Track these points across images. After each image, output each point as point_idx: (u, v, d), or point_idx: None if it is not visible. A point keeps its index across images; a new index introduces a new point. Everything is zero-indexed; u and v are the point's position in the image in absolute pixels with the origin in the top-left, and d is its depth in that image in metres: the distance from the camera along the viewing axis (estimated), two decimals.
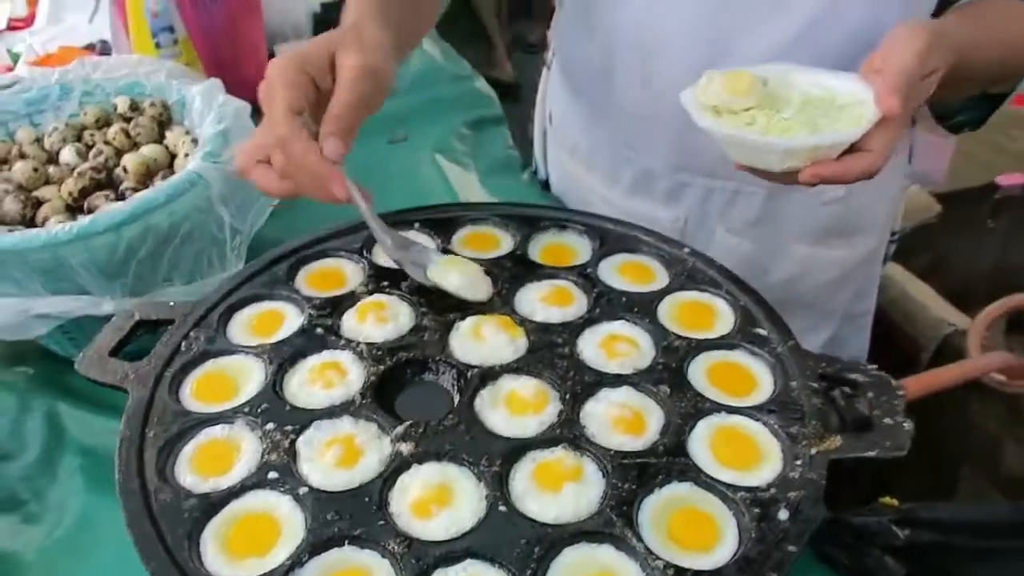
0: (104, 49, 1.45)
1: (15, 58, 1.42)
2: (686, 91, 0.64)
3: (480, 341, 0.56)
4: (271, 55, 1.41)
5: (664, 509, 0.46)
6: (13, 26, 1.54)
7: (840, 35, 0.72)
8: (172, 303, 0.60)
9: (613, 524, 0.44)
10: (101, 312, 0.78)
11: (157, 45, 1.10)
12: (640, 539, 0.44)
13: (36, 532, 0.70)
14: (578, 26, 0.89)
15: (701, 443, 0.50)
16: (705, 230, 0.91)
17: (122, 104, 0.96)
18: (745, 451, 0.49)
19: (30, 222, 0.85)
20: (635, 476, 0.47)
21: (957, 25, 0.68)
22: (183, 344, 0.56)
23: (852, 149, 0.58)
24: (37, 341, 0.81)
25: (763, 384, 0.54)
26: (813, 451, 0.47)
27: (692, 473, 0.47)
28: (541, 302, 0.60)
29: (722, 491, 0.46)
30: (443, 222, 0.69)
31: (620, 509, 0.45)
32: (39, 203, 0.87)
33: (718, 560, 0.43)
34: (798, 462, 0.47)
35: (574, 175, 1.03)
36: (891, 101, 0.56)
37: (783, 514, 0.44)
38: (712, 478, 0.47)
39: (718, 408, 0.51)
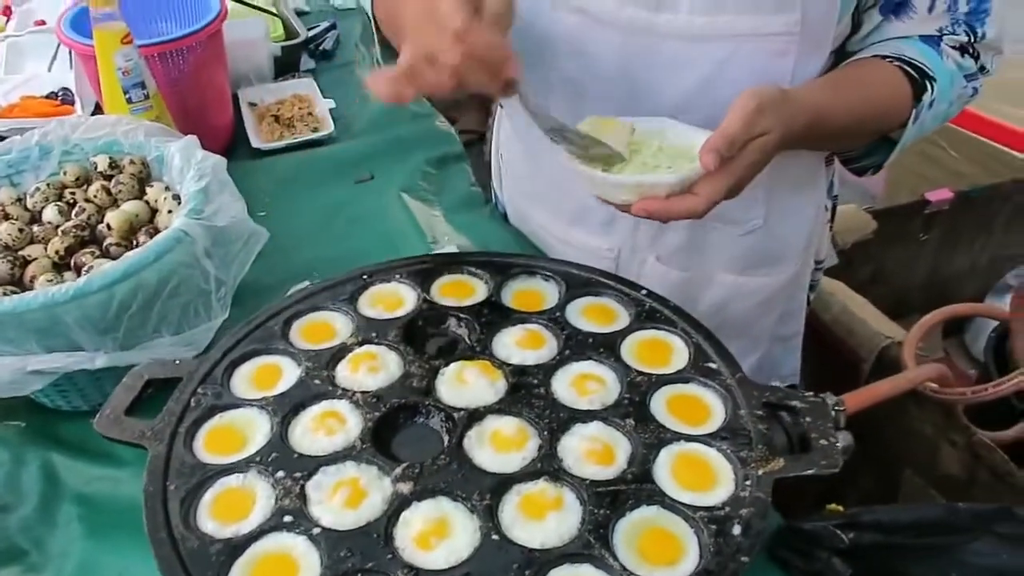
0: (66, 97, 1.48)
1: None
2: None
3: (464, 385, 0.62)
4: (235, 100, 1.46)
5: (635, 530, 0.53)
6: None
7: (732, 88, 0.81)
8: (177, 361, 0.65)
9: (592, 546, 0.51)
10: (95, 366, 0.82)
11: (129, 100, 1.14)
12: (615, 558, 0.51)
13: None
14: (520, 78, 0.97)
15: (664, 469, 0.57)
16: (637, 259, 1.00)
17: (102, 163, 1.00)
18: (702, 475, 0.56)
19: (18, 281, 0.89)
20: (608, 502, 0.54)
21: (811, 91, 0.77)
22: (192, 400, 0.61)
23: (689, 192, 0.68)
24: (28, 395, 0.85)
25: (716, 413, 0.61)
26: (760, 472, 0.55)
27: (658, 497, 0.54)
28: (516, 346, 0.67)
29: (684, 511, 0.53)
30: (422, 272, 0.76)
31: (597, 532, 0.52)
32: (26, 262, 0.90)
33: (683, 573, 0.50)
34: (748, 482, 0.55)
35: (523, 209, 1.12)
36: (708, 158, 0.65)
37: (736, 529, 0.52)
38: (675, 500, 0.54)
39: (677, 437, 0.59)
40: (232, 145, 1.40)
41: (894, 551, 0.81)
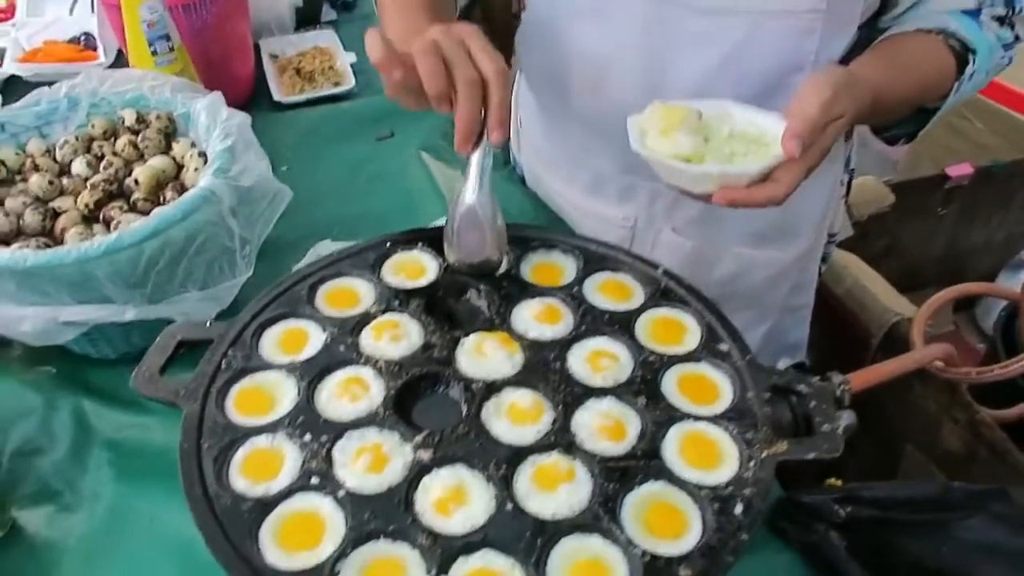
0: (88, 42, 1.49)
1: (1, 53, 1.45)
2: (633, 116, 0.73)
3: (483, 357, 0.65)
4: (256, 50, 1.46)
5: (642, 504, 0.56)
6: None
7: (756, 65, 0.82)
8: (208, 323, 0.68)
9: (600, 518, 0.54)
10: (124, 319, 0.85)
11: (154, 52, 1.14)
12: (622, 530, 0.54)
13: (73, 520, 0.77)
14: (538, 43, 0.98)
15: (672, 447, 0.59)
16: (653, 229, 1.02)
17: (129, 117, 1.01)
18: (708, 454, 0.59)
19: (49, 232, 0.92)
20: (618, 476, 0.56)
21: (871, 69, 0.77)
22: (223, 362, 0.64)
23: (767, 177, 0.68)
24: None
25: (724, 394, 0.64)
26: (764, 454, 0.57)
27: (665, 473, 0.57)
28: (534, 320, 0.69)
29: (689, 489, 0.56)
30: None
31: (606, 505, 0.55)
32: (56, 214, 0.93)
33: (685, 547, 0.53)
34: (751, 463, 0.57)
35: (539, 174, 1.13)
36: (791, 145, 0.65)
37: (738, 508, 0.54)
38: (681, 478, 0.57)
39: (686, 416, 0.61)
40: (253, 96, 1.41)
41: (890, 526, 0.83)
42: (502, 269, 0.74)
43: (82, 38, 1.51)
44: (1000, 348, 1.47)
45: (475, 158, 0.71)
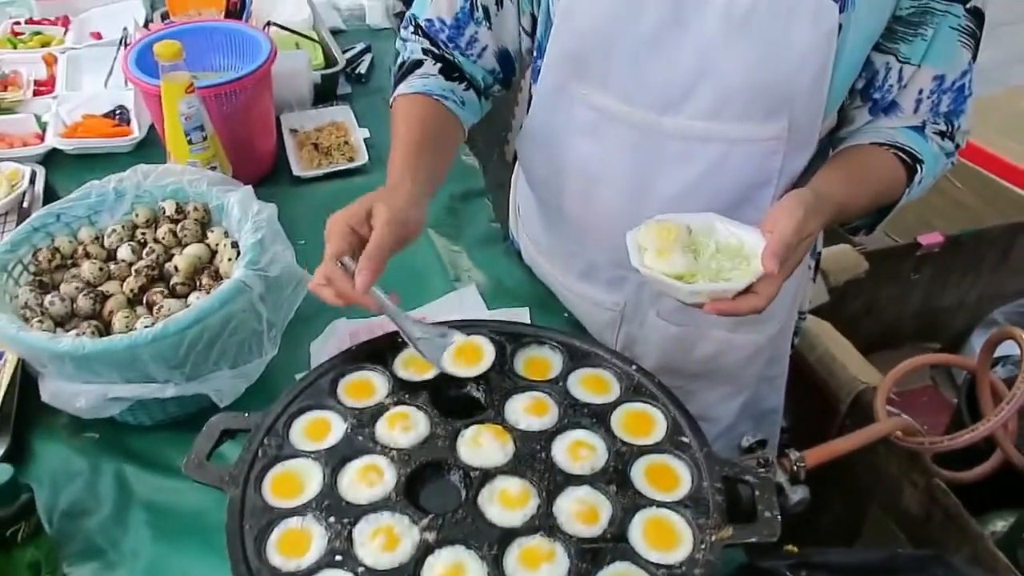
0: (122, 116, 1.61)
1: (43, 126, 1.58)
2: (631, 232, 0.84)
3: (479, 447, 0.76)
4: (278, 124, 1.59)
5: None
6: (37, 91, 1.69)
7: (728, 181, 0.95)
8: (247, 414, 0.79)
9: None
10: (165, 395, 0.97)
11: (190, 142, 1.27)
12: None
13: None
14: (537, 150, 1.10)
15: (637, 530, 0.71)
16: (640, 313, 1.13)
17: (169, 207, 1.13)
18: (667, 537, 0.70)
19: (98, 315, 1.03)
20: (590, 557, 0.68)
21: (834, 186, 0.88)
22: (259, 450, 0.75)
23: (747, 290, 0.79)
24: None
25: (683, 482, 0.75)
26: (712, 538, 0.69)
27: (630, 554, 0.68)
28: (524, 412, 0.81)
29: (650, 569, 0.67)
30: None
31: None
32: (105, 297, 1.05)
33: None
34: (703, 546, 0.69)
35: (535, 257, 1.25)
36: (771, 264, 0.76)
37: None
38: (644, 559, 0.68)
39: (650, 503, 0.73)
40: (275, 169, 1.53)
41: None
42: (482, 368, 0.85)
43: (117, 112, 1.64)
44: (965, 411, 1.57)
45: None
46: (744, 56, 0.85)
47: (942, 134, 0.98)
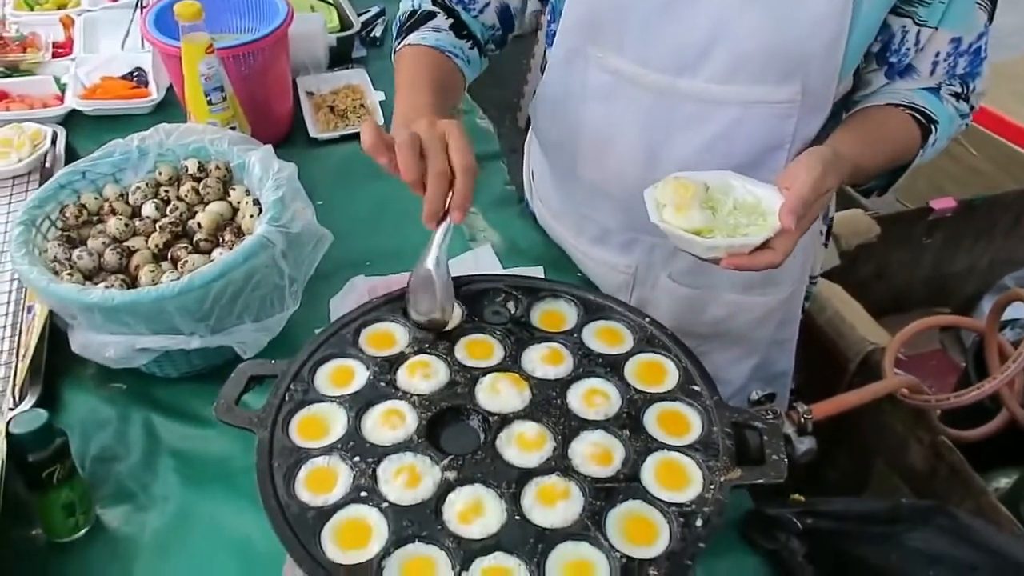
0: (140, 78, 1.63)
1: (62, 88, 1.60)
2: (648, 189, 0.85)
3: (497, 394, 0.79)
4: (294, 87, 1.60)
5: (622, 518, 0.70)
6: (55, 53, 1.71)
7: (741, 144, 0.96)
8: (272, 361, 0.82)
9: (588, 528, 0.68)
10: (190, 347, 1.00)
11: (209, 102, 1.29)
12: (606, 538, 0.68)
13: (147, 518, 0.91)
14: (550, 115, 1.12)
15: (649, 471, 0.74)
16: (652, 275, 1.15)
17: (192, 166, 1.16)
18: (678, 478, 0.73)
19: (125, 269, 1.06)
20: (604, 495, 0.71)
21: (850, 145, 0.88)
22: (286, 395, 0.78)
23: (764, 245, 0.80)
24: None
25: (694, 427, 0.78)
26: (722, 479, 0.71)
27: (641, 493, 0.71)
28: (540, 361, 0.83)
29: (661, 506, 0.70)
30: (467, 290, 0.92)
31: (594, 519, 0.69)
32: (131, 252, 1.08)
33: (655, 552, 0.67)
34: (712, 487, 0.71)
35: (549, 221, 1.27)
36: (788, 220, 0.77)
37: (699, 522, 0.69)
38: (655, 497, 0.71)
39: (662, 446, 0.75)
40: (291, 131, 1.55)
41: (844, 536, 0.96)
42: (450, 326, 0.86)
43: (135, 74, 1.65)
44: (972, 372, 1.60)
45: (438, 233, 0.83)
46: (759, 19, 0.86)
47: (957, 95, 0.98)
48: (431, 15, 1.05)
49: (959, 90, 0.98)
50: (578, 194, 1.15)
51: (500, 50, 1.14)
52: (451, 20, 1.06)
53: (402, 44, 1.05)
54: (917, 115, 0.94)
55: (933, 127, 0.95)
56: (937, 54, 0.93)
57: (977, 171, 2.54)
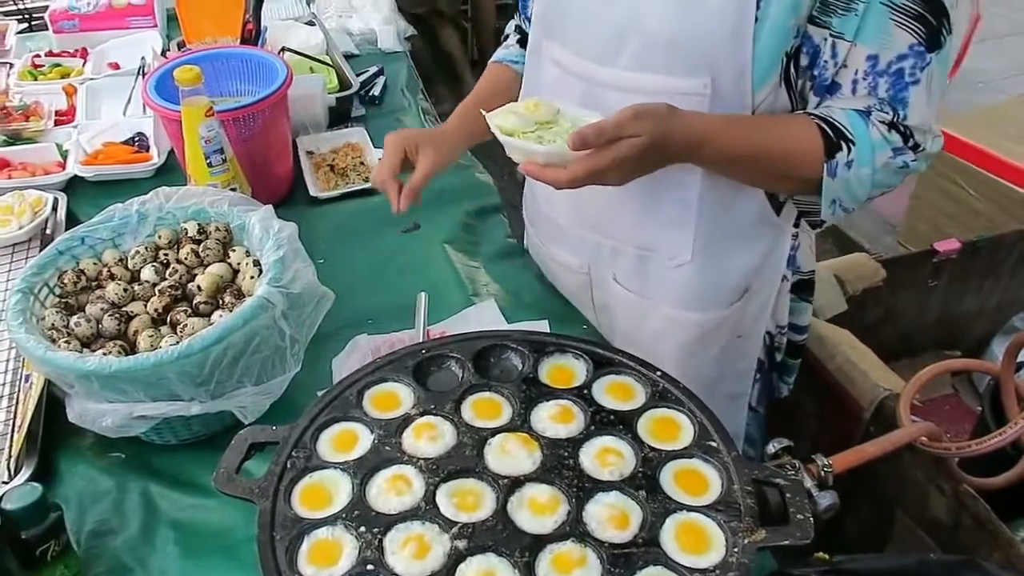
0: (141, 143, 1.64)
1: (64, 154, 1.61)
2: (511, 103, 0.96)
3: (506, 455, 0.76)
4: (295, 147, 1.61)
5: None
6: (58, 121, 1.72)
7: None
8: (274, 427, 0.80)
9: None
10: (190, 413, 0.97)
11: (209, 164, 1.29)
12: None
13: None
14: None
15: (668, 534, 0.70)
16: (601, 278, 1.18)
17: (191, 228, 1.15)
18: (699, 540, 0.69)
19: (123, 335, 1.05)
20: (623, 562, 0.67)
21: (707, 118, 0.92)
22: (288, 462, 0.75)
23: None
24: None
25: (713, 486, 0.75)
26: (746, 541, 0.68)
27: (663, 559, 0.68)
28: (550, 420, 0.81)
29: (683, 572, 0.67)
30: (472, 348, 0.90)
31: None
32: (129, 317, 1.06)
33: None
34: (735, 549, 0.68)
35: (531, 235, 1.33)
36: (572, 138, 0.82)
37: None
38: (676, 562, 0.68)
39: (681, 507, 0.72)
40: (291, 190, 1.55)
41: None
42: None
43: (136, 139, 1.66)
44: (989, 417, 1.56)
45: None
46: (664, 9, 0.91)
47: (889, 125, 0.93)
48: (507, 36, 1.30)
49: (890, 117, 0.92)
50: (538, 191, 1.24)
51: None
52: (519, 36, 1.26)
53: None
54: (825, 125, 0.93)
55: (846, 145, 0.92)
56: (856, 71, 0.91)
57: (977, 212, 2.55)
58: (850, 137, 0.92)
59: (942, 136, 0.97)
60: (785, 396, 1.32)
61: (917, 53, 0.88)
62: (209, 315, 1.05)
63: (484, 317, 1.20)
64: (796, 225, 1.12)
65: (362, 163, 1.61)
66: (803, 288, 1.20)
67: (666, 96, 0.92)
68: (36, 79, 1.85)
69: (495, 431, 0.79)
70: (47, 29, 2.02)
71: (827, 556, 0.98)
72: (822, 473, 0.94)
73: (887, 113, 0.93)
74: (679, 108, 0.89)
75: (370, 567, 0.67)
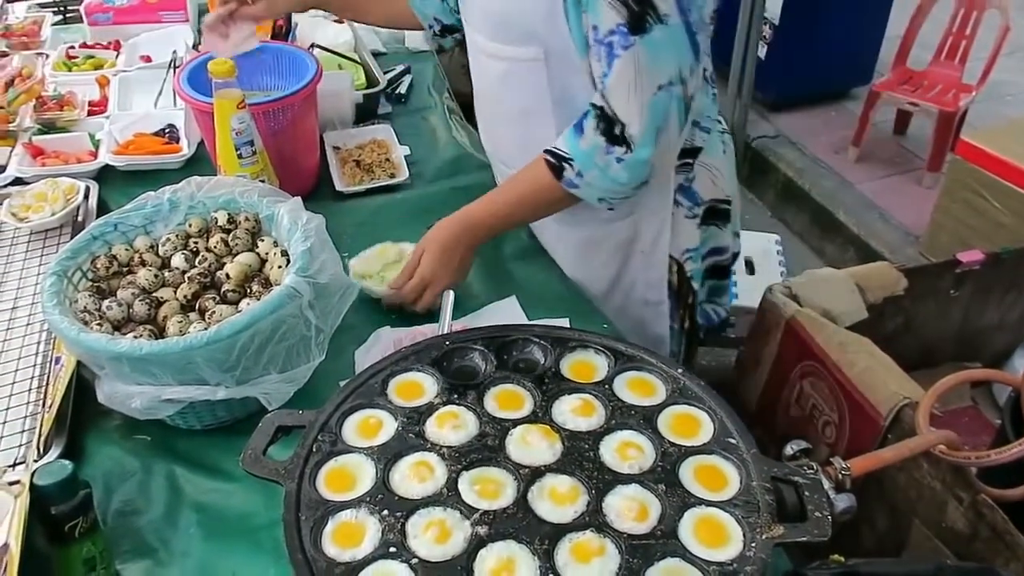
0: (172, 134, 1.66)
1: (96, 144, 1.63)
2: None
3: (528, 446, 0.77)
4: (320, 142, 1.63)
5: None
6: (91, 111, 1.75)
7: (514, 93, 1.18)
8: (301, 412, 0.81)
9: None
10: (216, 398, 0.99)
11: (240, 156, 1.31)
12: None
13: (167, 574, 0.89)
14: None
15: (687, 528, 0.71)
16: None
17: (221, 217, 1.17)
18: (717, 535, 0.70)
19: (153, 320, 1.07)
20: (641, 553, 0.68)
21: (481, 204, 1.18)
22: (314, 446, 0.77)
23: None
24: None
25: (732, 481, 0.75)
26: (763, 536, 0.69)
27: (680, 551, 0.69)
28: (571, 413, 0.82)
29: (701, 564, 0.68)
30: (496, 340, 0.91)
31: None
32: (159, 303, 1.08)
33: None
34: (753, 544, 0.69)
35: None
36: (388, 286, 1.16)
37: None
38: (694, 555, 0.68)
39: (700, 502, 0.73)
40: (317, 184, 1.57)
41: None
42: None
43: (167, 130, 1.69)
44: (1008, 429, 1.55)
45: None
46: None
47: (597, 119, 1.05)
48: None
49: (603, 105, 1.04)
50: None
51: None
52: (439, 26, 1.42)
53: None
54: (549, 157, 1.10)
55: (566, 163, 1.08)
56: (588, 36, 1.03)
57: (1000, 225, 2.53)
58: (567, 156, 1.08)
59: (650, 149, 1.04)
60: (722, 322, 1.44)
61: (622, 32, 0.99)
62: (237, 303, 1.07)
63: (505, 314, 1.21)
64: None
65: (387, 159, 1.63)
66: (717, 215, 1.31)
67: (513, 62, 1.12)
68: (70, 70, 1.88)
69: (517, 422, 0.80)
70: (82, 21, 2.06)
71: (842, 558, 0.98)
72: (840, 475, 0.94)
73: (597, 100, 1.04)
74: (470, 210, 1.18)
75: (392, 549, 0.68)
